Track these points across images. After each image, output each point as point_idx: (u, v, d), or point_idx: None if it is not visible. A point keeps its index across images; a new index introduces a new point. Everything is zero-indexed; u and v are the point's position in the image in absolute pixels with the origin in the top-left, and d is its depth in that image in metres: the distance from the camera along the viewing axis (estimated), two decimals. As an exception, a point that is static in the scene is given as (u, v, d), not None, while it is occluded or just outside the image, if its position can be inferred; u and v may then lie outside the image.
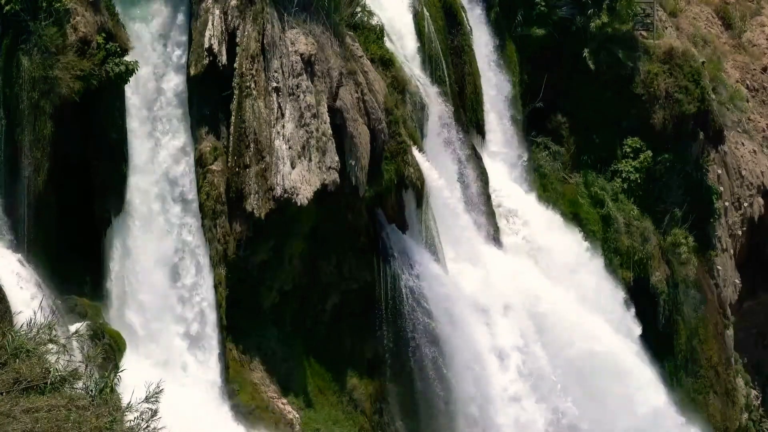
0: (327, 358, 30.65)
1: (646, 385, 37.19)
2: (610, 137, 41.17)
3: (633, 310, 38.95)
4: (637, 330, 38.69)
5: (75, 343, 14.61)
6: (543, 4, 39.41)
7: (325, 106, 29.15)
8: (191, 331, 27.76)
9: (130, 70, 25.73)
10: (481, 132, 37.53)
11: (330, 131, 28.95)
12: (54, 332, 12.81)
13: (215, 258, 28.11)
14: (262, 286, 29.50)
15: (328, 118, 29.08)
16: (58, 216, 25.44)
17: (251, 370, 29.14)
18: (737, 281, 45.48)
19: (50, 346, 12.43)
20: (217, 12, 28.12)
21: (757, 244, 47.27)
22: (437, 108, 34.33)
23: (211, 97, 28.44)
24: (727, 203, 44.87)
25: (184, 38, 28.10)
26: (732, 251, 45.29)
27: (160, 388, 12.19)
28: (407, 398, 31.97)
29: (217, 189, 28.16)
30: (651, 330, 39.44)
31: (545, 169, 40.04)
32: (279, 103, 28.50)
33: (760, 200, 46.87)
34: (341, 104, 29.44)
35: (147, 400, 11.96)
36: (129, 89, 26.42)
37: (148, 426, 11.66)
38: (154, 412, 11.98)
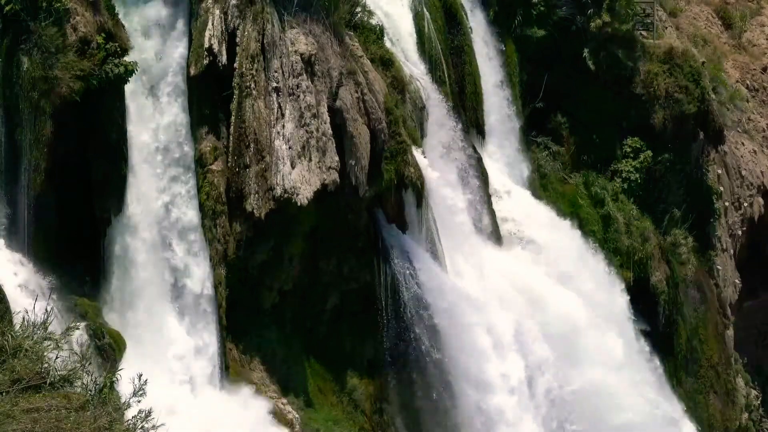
0: (327, 358, 30.64)
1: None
2: (610, 137, 41.18)
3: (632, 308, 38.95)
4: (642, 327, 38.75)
5: (75, 344, 14.62)
6: (543, 4, 39.41)
7: (325, 106, 29.16)
8: (191, 331, 27.76)
9: (129, 71, 25.74)
10: (481, 132, 37.53)
11: (330, 131, 28.96)
12: (50, 332, 12.81)
13: (215, 258, 28.11)
14: (262, 286, 29.50)
15: (328, 118, 29.09)
16: (57, 216, 25.44)
17: (251, 370, 29.14)
18: (737, 281, 45.49)
19: (46, 343, 12.45)
20: (217, 12, 28.12)
21: (757, 244, 47.29)
22: (437, 108, 34.31)
23: (211, 97, 28.45)
24: (727, 203, 44.88)
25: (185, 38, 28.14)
26: (732, 251, 45.30)
27: (145, 380, 12.23)
28: (407, 398, 31.97)
29: (217, 189, 28.17)
30: (651, 330, 39.43)
31: (545, 169, 40.04)
32: (279, 103, 28.51)
33: (760, 200, 46.89)
34: (341, 104, 29.44)
35: (135, 394, 11.99)
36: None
37: (143, 426, 11.68)
38: (148, 412, 12.01)
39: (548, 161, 40.26)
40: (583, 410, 34.60)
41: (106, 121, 25.99)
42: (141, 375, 12.43)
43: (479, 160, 35.66)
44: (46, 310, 13.05)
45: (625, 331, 37.70)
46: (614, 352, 36.20)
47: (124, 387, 12.70)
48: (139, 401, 12.31)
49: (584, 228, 39.37)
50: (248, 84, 28.13)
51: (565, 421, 34.26)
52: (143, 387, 12.22)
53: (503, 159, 38.63)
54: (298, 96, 28.72)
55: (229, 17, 28.27)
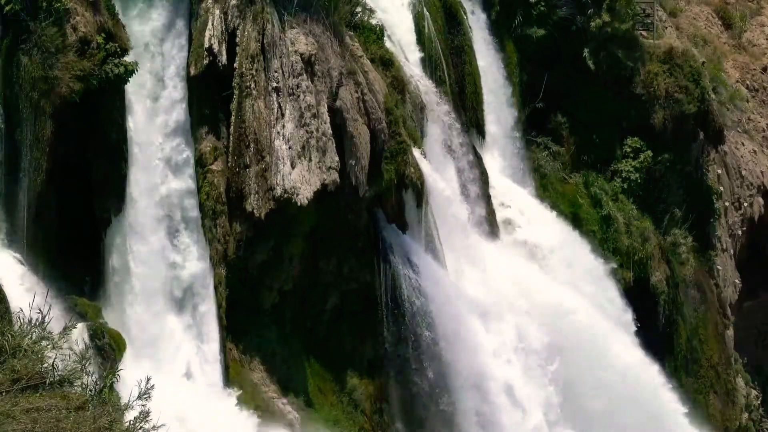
0: (327, 358, 30.64)
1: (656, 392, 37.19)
2: (610, 137, 41.18)
3: (631, 310, 38.91)
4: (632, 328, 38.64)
5: (75, 345, 14.60)
6: (543, 4, 39.40)
7: (325, 106, 29.16)
8: (191, 331, 27.77)
9: (129, 71, 25.74)
10: (481, 132, 37.53)
11: (330, 131, 28.96)
12: (48, 331, 12.80)
13: (215, 258, 28.11)
14: (262, 286, 29.50)
15: (328, 118, 29.09)
16: (57, 216, 25.44)
17: (251, 370, 29.14)
18: (737, 281, 45.49)
19: (44, 343, 12.44)
20: (217, 12, 28.12)
21: (757, 244, 47.29)
22: (437, 108, 34.32)
23: (211, 97, 28.45)
24: (727, 203, 44.89)
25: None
26: (732, 251, 45.30)
27: (152, 385, 12.20)
28: (407, 398, 31.97)
29: (217, 189, 28.17)
30: (651, 330, 39.40)
31: (545, 169, 40.03)
32: (279, 103, 28.51)
33: (760, 200, 46.89)
34: (341, 104, 29.45)
35: (140, 397, 11.97)
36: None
37: (142, 427, 11.66)
38: (146, 413, 11.99)
39: (548, 161, 40.25)
40: (584, 408, 34.62)
41: (106, 121, 25.99)
42: (149, 379, 12.40)
43: (479, 159, 35.66)
44: (40, 309, 13.04)
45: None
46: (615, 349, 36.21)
47: (129, 389, 12.68)
48: (144, 405, 12.29)
49: (584, 228, 39.36)
50: (248, 84, 28.13)
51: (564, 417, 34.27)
52: (149, 390, 12.19)
53: (503, 159, 38.63)
54: (298, 96, 28.72)
55: (229, 17, 28.27)
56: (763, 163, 47.49)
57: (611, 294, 38.52)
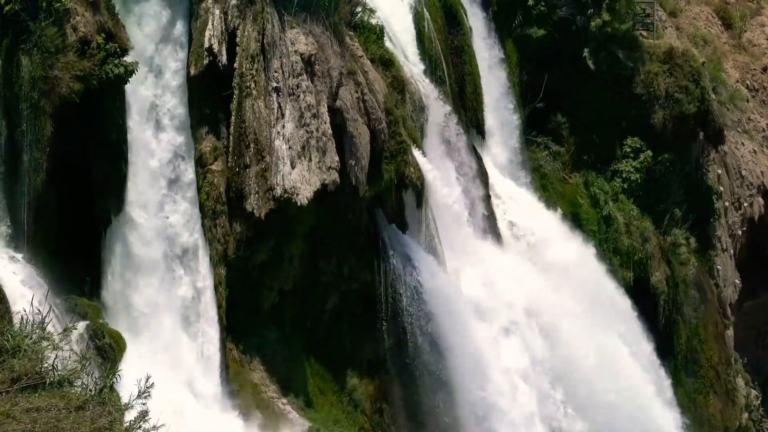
0: (327, 358, 30.65)
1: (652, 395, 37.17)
2: (610, 137, 41.17)
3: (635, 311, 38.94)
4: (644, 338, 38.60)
5: (74, 344, 14.62)
6: (543, 3, 39.39)
7: (325, 106, 29.16)
8: (191, 331, 27.77)
9: (129, 71, 25.74)
10: (481, 132, 37.54)
11: (330, 131, 28.96)
12: (49, 332, 12.80)
13: (215, 258, 28.12)
14: (262, 286, 29.51)
15: (328, 118, 29.10)
16: (58, 216, 25.45)
17: (251, 370, 29.15)
18: (737, 281, 45.49)
19: (44, 343, 12.44)
20: (217, 12, 28.13)
21: (757, 244, 47.30)
22: (437, 108, 34.33)
23: (211, 97, 28.46)
24: (727, 203, 44.90)
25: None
26: (732, 251, 45.31)
27: (151, 383, 12.20)
28: (407, 398, 31.97)
29: (217, 189, 28.18)
30: (651, 330, 39.41)
31: (545, 169, 40.03)
32: (279, 103, 28.52)
33: (760, 200, 46.90)
34: (341, 104, 29.45)
35: (140, 396, 11.97)
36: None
37: (141, 426, 11.66)
38: (145, 413, 11.99)
39: (548, 161, 40.25)
40: (583, 404, 34.66)
41: (106, 121, 26.00)
42: (149, 377, 12.40)
43: (479, 160, 35.67)
44: (39, 310, 13.04)
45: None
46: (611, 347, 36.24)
47: (129, 388, 12.69)
48: (144, 403, 12.29)
49: (584, 228, 39.37)
50: (248, 84, 28.13)
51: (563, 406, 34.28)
52: (149, 389, 12.19)
53: (503, 159, 38.64)
54: (298, 96, 28.72)
55: (229, 17, 28.28)
56: (763, 163, 47.50)
57: (603, 281, 38.54)
